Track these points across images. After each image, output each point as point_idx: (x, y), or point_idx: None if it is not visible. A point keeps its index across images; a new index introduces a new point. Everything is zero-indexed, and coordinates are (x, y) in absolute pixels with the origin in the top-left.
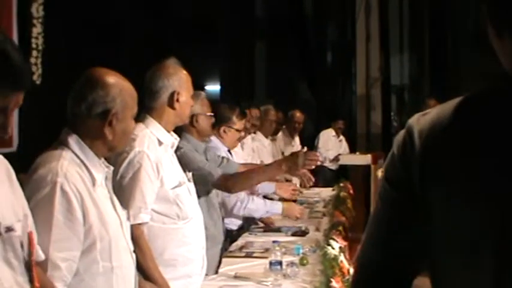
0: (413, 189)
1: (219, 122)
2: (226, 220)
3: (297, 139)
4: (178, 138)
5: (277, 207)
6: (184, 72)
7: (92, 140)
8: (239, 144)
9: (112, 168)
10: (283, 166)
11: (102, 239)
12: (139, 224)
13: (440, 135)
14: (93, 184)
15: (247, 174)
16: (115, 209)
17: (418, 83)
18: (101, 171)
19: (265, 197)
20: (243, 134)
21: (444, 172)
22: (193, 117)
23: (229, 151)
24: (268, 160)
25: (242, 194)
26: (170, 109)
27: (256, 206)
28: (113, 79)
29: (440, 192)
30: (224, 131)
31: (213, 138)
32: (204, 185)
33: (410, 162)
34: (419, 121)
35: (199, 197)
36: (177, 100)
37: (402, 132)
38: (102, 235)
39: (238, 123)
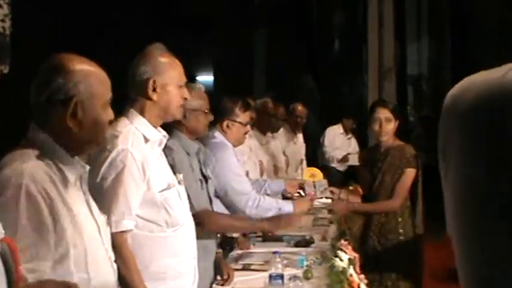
0: None
1: (221, 115)
2: None
3: (300, 136)
4: (166, 135)
5: (289, 205)
6: (167, 57)
7: (57, 135)
8: None
9: (88, 167)
10: (266, 225)
11: (76, 246)
12: (123, 231)
13: None
14: (66, 185)
15: (232, 222)
16: (91, 213)
17: (438, 72)
18: (74, 170)
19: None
20: (249, 128)
21: None
22: (186, 112)
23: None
24: (265, 160)
25: (252, 192)
26: (148, 100)
27: (269, 204)
28: (78, 65)
29: None
30: (227, 126)
31: (217, 134)
32: None
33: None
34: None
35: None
36: (154, 89)
37: None
38: (76, 242)
39: (242, 116)
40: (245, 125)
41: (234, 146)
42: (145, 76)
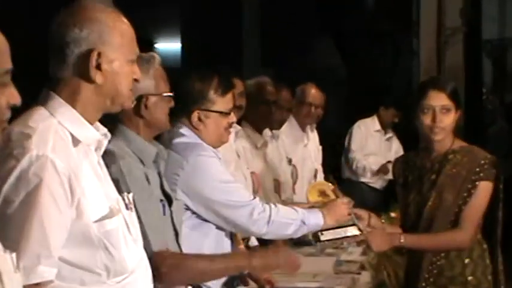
0: None
1: (188, 104)
2: None
3: (313, 135)
4: (108, 135)
5: (316, 214)
6: (118, 18)
7: None
8: None
9: None
10: (254, 262)
11: None
12: (37, 284)
13: None
14: None
15: (195, 262)
16: None
17: None
18: None
19: None
20: (233, 117)
21: None
22: (141, 99)
23: None
24: (259, 170)
25: (255, 200)
26: (87, 82)
27: (286, 215)
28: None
29: None
30: (199, 119)
31: (186, 131)
32: None
33: None
34: None
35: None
36: (99, 66)
37: None
38: None
39: (221, 101)
40: (226, 114)
41: (213, 147)
42: (85, 46)
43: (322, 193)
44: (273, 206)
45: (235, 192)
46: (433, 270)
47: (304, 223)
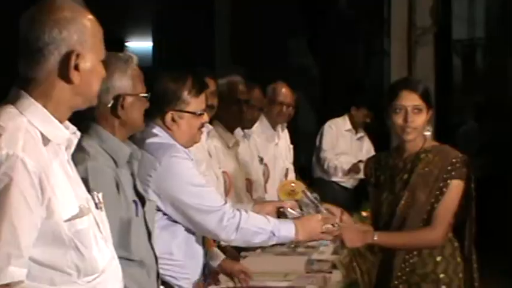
0: None
1: (162, 105)
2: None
3: (283, 134)
4: (78, 133)
5: (288, 227)
6: (90, 17)
7: None
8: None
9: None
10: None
11: None
12: (7, 285)
13: None
14: None
15: None
16: None
17: (499, 37)
18: None
19: None
20: (206, 118)
21: None
22: (118, 99)
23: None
24: (231, 169)
25: (226, 206)
26: (63, 82)
27: (256, 224)
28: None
29: None
30: (173, 119)
31: (159, 130)
32: None
33: None
34: None
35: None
36: (76, 67)
37: None
38: None
39: (195, 102)
40: (200, 114)
41: (185, 147)
42: (64, 48)
43: (291, 192)
44: (243, 212)
45: (206, 197)
46: (405, 268)
47: (274, 234)
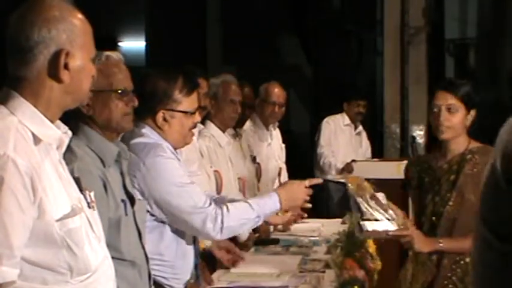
0: None
1: (153, 104)
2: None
3: (275, 133)
4: (69, 133)
5: (272, 201)
6: (80, 17)
7: None
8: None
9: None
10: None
11: None
12: None
13: None
14: None
15: None
16: None
17: (493, 37)
18: None
19: None
20: (198, 119)
21: None
22: (100, 97)
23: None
24: (224, 168)
25: (209, 209)
26: (53, 81)
27: (239, 217)
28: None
29: None
30: (164, 119)
31: (147, 130)
32: None
33: None
34: None
35: None
36: (66, 66)
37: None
38: None
39: (186, 101)
40: (192, 113)
41: (176, 147)
42: (54, 47)
43: (360, 186)
44: (225, 211)
45: (189, 198)
46: (456, 269)
47: (259, 217)
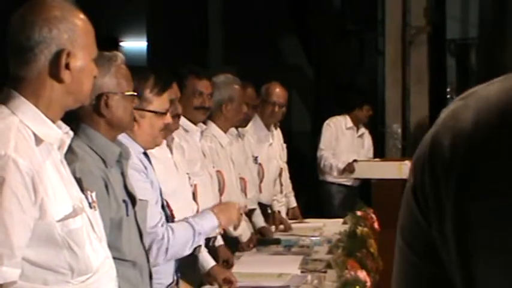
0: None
1: None
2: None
3: (276, 133)
4: (70, 133)
5: (209, 217)
6: (81, 16)
7: None
8: (174, 143)
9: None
10: None
11: None
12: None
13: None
14: None
15: None
16: None
17: (495, 37)
18: None
19: None
20: (169, 120)
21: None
22: (101, 97)
23: (145, 154)
24: (225, 169)
25: (157, 233)
26: (54, 81)
27: (182, 237)
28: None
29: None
30: (134, 119)
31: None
32: None
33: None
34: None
35: None
36: (67, 66)
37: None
38: None
39: (157, 101)
40: (163, 114)
41: (145, 149)
42: (55, 47)
43: None
44: (170, 233)
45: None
46: None
47: (200, 233)
